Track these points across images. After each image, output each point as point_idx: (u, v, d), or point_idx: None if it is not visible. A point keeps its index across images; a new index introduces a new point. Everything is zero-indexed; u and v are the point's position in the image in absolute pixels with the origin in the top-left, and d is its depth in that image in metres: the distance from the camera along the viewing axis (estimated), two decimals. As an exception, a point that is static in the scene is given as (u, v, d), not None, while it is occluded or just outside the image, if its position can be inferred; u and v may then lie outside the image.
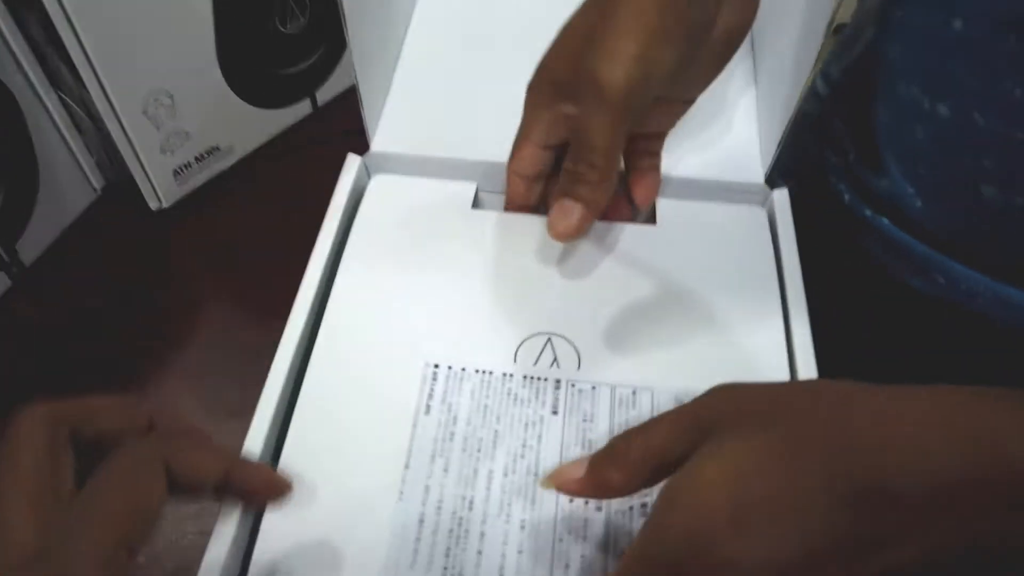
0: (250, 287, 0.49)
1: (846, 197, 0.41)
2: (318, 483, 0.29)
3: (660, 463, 0.24)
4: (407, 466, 0.29)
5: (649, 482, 0.24)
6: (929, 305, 0.38)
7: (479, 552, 0.28)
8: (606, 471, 0.25)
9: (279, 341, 0.32)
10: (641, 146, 0.35)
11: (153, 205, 0.52)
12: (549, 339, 0.33)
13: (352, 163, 0.38)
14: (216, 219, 0.53)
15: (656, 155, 0.35)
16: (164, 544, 0.39)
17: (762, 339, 0.32)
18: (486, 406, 0.31)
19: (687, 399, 0.27)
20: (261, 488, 0.25)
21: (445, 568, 0.27)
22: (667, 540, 0.22)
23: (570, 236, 0.32)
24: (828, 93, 0.43)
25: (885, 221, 0.39)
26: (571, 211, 0.31)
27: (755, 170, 0.37)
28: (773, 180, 0.36)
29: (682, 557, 0.21)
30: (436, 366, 0.32)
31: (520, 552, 0.28)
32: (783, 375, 0.31)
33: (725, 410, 0.23)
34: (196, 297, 0.49)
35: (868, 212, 0.39)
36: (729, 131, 0.38)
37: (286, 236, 0.52)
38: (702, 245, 0.35)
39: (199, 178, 0.53)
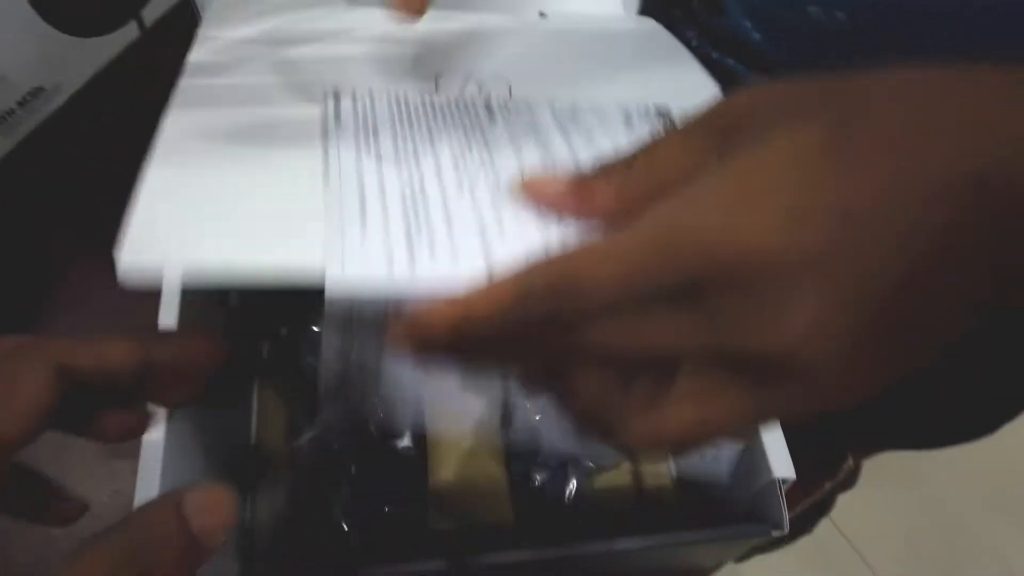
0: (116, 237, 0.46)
1: (694, 43, 0.43)
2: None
3: (665, 180, 0.19)
4: (326, 151, 0.24)
5: (648, 201, 0.19)
6: None
7: (447, 222, 0.22)
8: (595, 184, 0.20)
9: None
10: None
11: (-20, 162, 0.47)
12: (471, 73, 0.30)
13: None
14: (58, 169, 0.49)
15: None
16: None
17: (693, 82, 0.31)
18: (411, 120, 0.26)
19: (633, 109, 0.26)
20: (194, 355, 0.24)
21: (408, 233, 0.22)
22: (684, 245, 0.16)
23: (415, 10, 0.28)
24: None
25: (730, 61, 0.41)
26: None
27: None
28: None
29: (698, 269, 0.16)
30: (336, 94, 0.27)
31: (500, 223, 0.23)
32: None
33: (758, 107, 0.18)
34: (56, 260, 0.46)
35: (715, 54, 0.42)
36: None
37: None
38: (596, 31, 0.35)
39: (27, 125, 0.48)
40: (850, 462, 0.51)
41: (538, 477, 0.31)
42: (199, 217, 0.22)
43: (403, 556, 0.29)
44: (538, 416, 0.32)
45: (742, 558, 0.53)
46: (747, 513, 0.31)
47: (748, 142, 0.17)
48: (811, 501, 0.57)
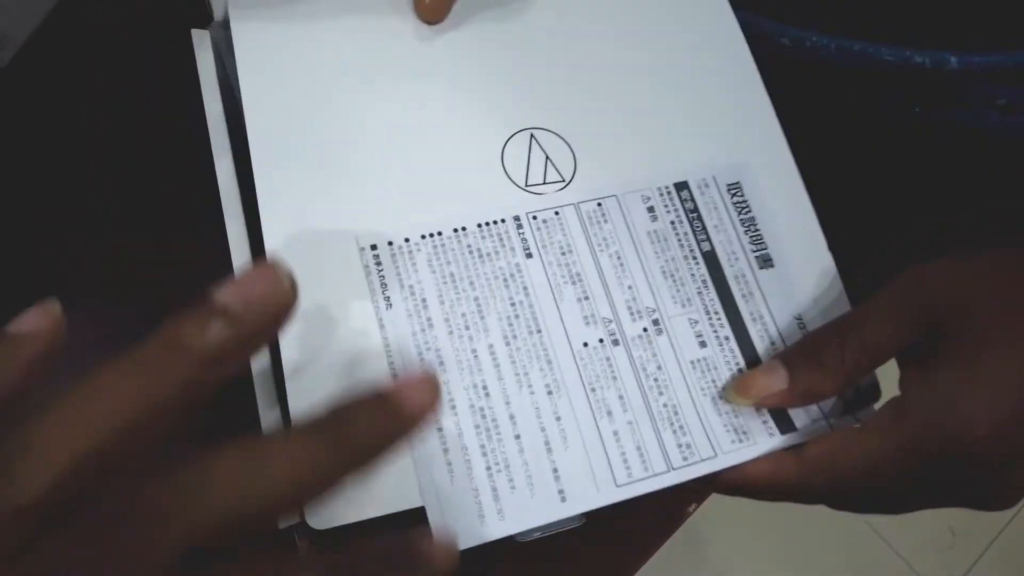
0: (99, 203, 0.42)
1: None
2: None
3: (876, 361, 0.24)
4: (395, 377, 0.25)
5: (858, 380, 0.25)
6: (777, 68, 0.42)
7: (517, 436, 0.26)
8: (816, 380, 0.24)
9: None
10: None
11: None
12: (532, 135, 0.30)
13: (202, 42, 0.31)
14: (19, 135, 0.43)
15: None
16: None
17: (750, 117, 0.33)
18: (452, 274, 0.28)
19: (654, 194, 0.30)
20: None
21: (488, 468, 0.25)
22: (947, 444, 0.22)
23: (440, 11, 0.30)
24: None
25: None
26: None
27: None
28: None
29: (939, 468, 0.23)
30: (374, 247, 0.27)
31: (558, 419, 0.26)
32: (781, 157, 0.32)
33: (947, 297, 0.23)
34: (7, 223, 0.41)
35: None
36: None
37: (120, 138, 0.44)
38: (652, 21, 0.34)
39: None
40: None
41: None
42: None
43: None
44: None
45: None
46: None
47: (962, 337, 0.23)
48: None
